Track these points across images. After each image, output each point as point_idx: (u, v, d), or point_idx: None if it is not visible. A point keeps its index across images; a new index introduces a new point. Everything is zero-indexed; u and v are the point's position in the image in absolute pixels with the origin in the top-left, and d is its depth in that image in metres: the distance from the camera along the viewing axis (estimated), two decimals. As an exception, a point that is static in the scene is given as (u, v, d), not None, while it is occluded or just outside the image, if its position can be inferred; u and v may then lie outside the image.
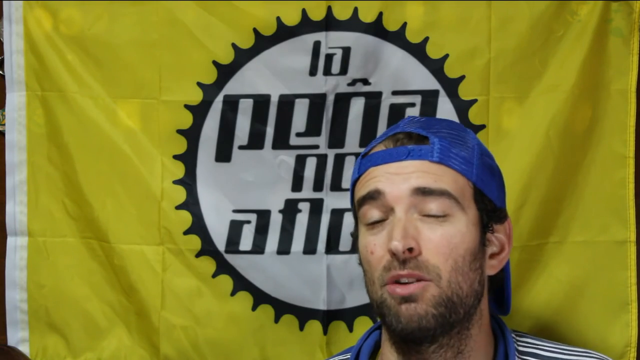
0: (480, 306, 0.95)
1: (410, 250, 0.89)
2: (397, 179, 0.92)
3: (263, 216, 1.47)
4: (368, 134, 1.45)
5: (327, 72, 1.44)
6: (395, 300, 0.89)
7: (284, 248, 1.47)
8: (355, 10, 1.43)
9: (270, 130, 1.46)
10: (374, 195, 0.93)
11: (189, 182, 1.48)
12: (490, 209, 0.96)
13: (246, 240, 1.48)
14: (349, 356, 1.05)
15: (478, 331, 0.95)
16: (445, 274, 0.89)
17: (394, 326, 0.90)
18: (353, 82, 1.44)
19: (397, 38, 1.43)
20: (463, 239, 0.91)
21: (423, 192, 0.91)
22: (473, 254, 0.92)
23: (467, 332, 0.93)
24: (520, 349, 1.00)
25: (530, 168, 1.42)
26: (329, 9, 1.43)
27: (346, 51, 1.43)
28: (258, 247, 1.47)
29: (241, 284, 1.48)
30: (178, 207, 1.48)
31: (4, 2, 1.49)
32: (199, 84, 1.46)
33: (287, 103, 1.45)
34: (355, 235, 1.01)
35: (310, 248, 1.47)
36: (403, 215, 0.91)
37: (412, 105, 1.45)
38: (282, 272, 1.47)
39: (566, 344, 1.05)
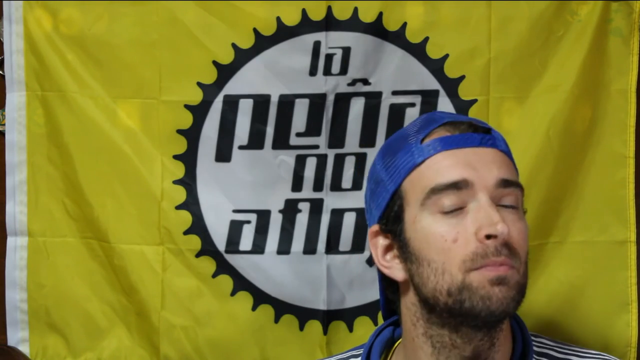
0: None
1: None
2: (480, 167, 0.91)
3: (263, 216, 1.47)
4: (368, 134, 1.45)
5: (327, 72, 1.44)
6: (488, 281, 0.87)
7: (284, 248, 1.47)
8: (355, 10, 1.43)
9: (270, 130, 1.46)
10: (459, 185, 0.90)
11: (189, 182, 1.48)
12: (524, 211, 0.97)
13: (246, 240, 1.48)
14: (361, 352, 1.05)
15: (506, 326, 0.96)
16: (523, 266, 0.91)
17: (479, 308, 0.87)
18: (353, 82, 1.44)
19: (397, 38, 1.43)
20: (528, 234, 0.93)
21: (505, 183, 0.91)
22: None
23: (501, 325, 0.94)
24: (536, 349, 1.00)
25: (530, 168, 1.42)
26: (329, 9, 1.43)
27: (346, 51, 1.43)
28: (258, 247, 1.47)
29: (241, 284, 1.48)
30: (178, 207, 1.48)
31: (4, 2, 1.49)
32: (199, 84, 1.46)
33: (287, 103, 1.45)
34: (401, 229, 0.94)
35: (310, 248, 1.47)
36: (490, 201, 0.90)
37: (412, 105, 1.45)
38: (282, 272, 1.47)
39: (579, 345, 1.05)
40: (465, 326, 0.91)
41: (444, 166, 0.92)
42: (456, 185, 0.90)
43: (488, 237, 0.88)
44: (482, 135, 0.93)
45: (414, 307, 0.95)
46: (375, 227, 0.98)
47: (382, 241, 0.98)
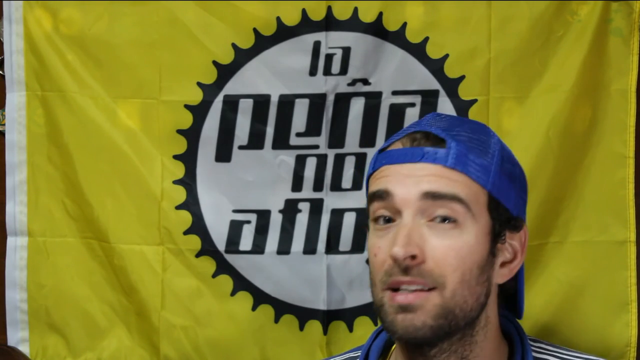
0: (485, 313, 0.93)
1: (413, 257, 0.86)
2: (408, 181, 0.90)
3: (263, 216, 1.47)
4: (368, 134, 1.45)
5: (327, 72, 1.44)
6: (392, 308, 0.87)
7: (284, 248, 1.47)
8: (355, 10, 1.43)
9: (270, 130, 1.46)
10: (382, 195, 0.91)
11: (189, 182, 1.48)
12: (504, 218, 0.93)
13: (246, 240, 1.48)
14: (359, 354, 1.05)
15: (484, 337, 0.93)
16: (451, 285, 0.87)
17: (391, 331, 0.89)
18: (353, 82, 1.44)
19: (397, 38, 1.43)
20: (471, 250, 0.89)
21: (433, 196, 0.88)
22: (481, 266, 0.90)
23: (470, 338, 0.92)
24: (534, 354, 0.99)
25: (530, 168, 1.42)
26: (329, 9, 1.43)
27: (346, 51, 1.43)
28: (258, 247, 1.47)
29: (241, 284, 1.48)
30: (178, 207, 1.48)
31: (4, 2, 1.49)
32: (199, 84, 1.46)
33: (287, 103, 1.45)
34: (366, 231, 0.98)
35: (310, 248, 1.47)
36: (410, 220, 0.88)
37: (412, 105, 1.45)
38: (282, 272, 1.47)
39: (580, 351, 1.04)
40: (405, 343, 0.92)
41: (378, 177, 0.93)
42: (380, 195, 0.91)
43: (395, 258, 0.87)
44: (427, 149, 0.91)
45: None
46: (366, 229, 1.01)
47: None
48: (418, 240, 0.87)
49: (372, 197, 0.92)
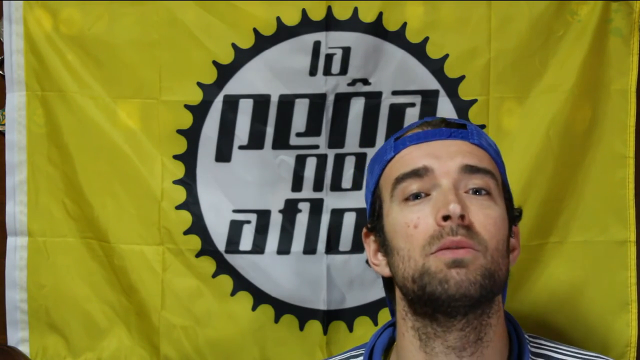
0: (499, 297, 0.96)
1: (462, 217, 0.88)
2: (444, 156, 0.93)
3: (263, 216, 1.47)
4: (368, 134, 1.45)
5: (327, 72, 1.44)
6: (445, 264, 0.88)
7: (284, 248, 1.47)
8: (355, 10, 1.43)
9: (270, 130, 1.46)
10: (420, 172, 0.93)
11: (189, 182, 1.48)
12: (511, 204, 0.98)
13: (246, 240, 1.48)
14: (362, 352, 1.05)
15: (496, 322, 0.95)
16: (490, 250, 0.89)
17: (438, 292, 0.88)
18: (353, 82, 1.44)
19: (397, 38, 1.43)
20: (503, 222, 0.93)
21: (470, 169, 0.92)
22: (507, 240, 0.94)
23: (487, 319, 0.93)
24: (534, 349, 1.00)
25: (530, 168, 1.42)
26: (329, 9, 1.43)
27: (346, 51, 1.43)
28: (258, 247, 1.47)
29: (241, 284, 1.48)
30: (178, 207, 1.48)
31: (4, 2, 1.49)
32: (199, 84, 1.46)
33: (287, 103, 1.45)
34: (376, 224, 0.99)
35: (310, 248, 1.47)
36: (452, 186, 0.91)
37: (412, 105, 1.45)
38: (282, 272, 1.47)
39: (580, 347, 1.05)
40: (439, 313, 0.91)
41: (409, 157, 0.95)
42: (417, 173, 0.93)
43: (445, 218, 0.89)
44: (452, 129, 0.96)
45: (402, 301, 0.97)
46: (365, 229, 1.02)
47: (372, 241, 1.01)
48: (464, 203, 0.90)
49: (404, 176, 0.94)
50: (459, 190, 0.92)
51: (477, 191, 0.92)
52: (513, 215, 0.98)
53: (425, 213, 0.91)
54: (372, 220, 1.00)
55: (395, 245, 0.93)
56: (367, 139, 1.45)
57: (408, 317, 0.96)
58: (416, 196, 0.92)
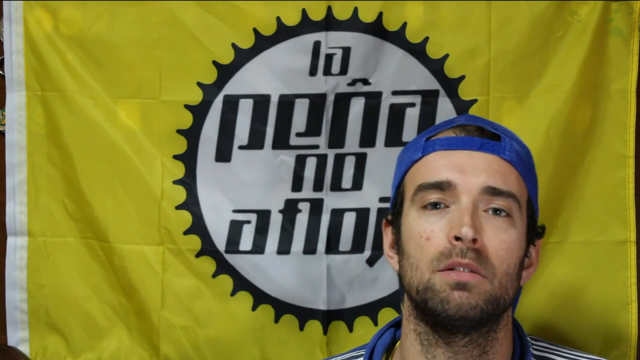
0: (508, 312, 0.95)
1: (474, 241, 0.88)
2: (469, 171, 0.91)
3: (263, 216, 1.47)
4: (368, 134, 1.45)
5: (327, 72, 1.44)
6: (448, 285, 0.88)
7: (284, 248, 1.47)
8: (355, 10, 1.43)
9: (270, 130, 1.46)
10: (442, 186, 0.91)
11: (189, 182, 1.48)
12: (535, 221, 0.96)
13: (246, 240, 1.47)
14: (362, 352, 1.05)
15: (504, 335, 0.95)
16: (499, 276, 0.89)
17: (438, 311, 0.88)
18: (353, 82, 1.44)
19: (397, 38, 1.43)
20: (519, 246, 0.92)
21: (493, 191, 0.91)
22: (521, 263, 0.93)
23: (494, 334, 0.93)
24: (536, 352, 1.00)
25: (530, 168, 1.42)
26: (329, 9, 1.43)
27: (346, 51, 1.43)
28: (258, 247, 1.47)
29: (241, 284, 1.48)
30: (178, 207, 1.48)
31: (4, 2, 1.49)
32: (199, 84, 1.46)
33: (287, 103, 1.45)
34: (394, 219, 0.98)
35: (310, 248, 1.47)
36: (470, 205, 0.90)
37: (412, 105, 1.44)
38: (282, 272, 1.47)
39: (577, 348, 1.05)
40: (439, 328, 0.91)
41: (435, 165, 0.94)
42: (439, 186, 0.91)
43: (456, 238, 0.88)
44: (485, 140, 0.94)
45: (408, 301, 0.96)
46: (385, 219, 1.01)
47: (390, 232, 1.00)
48: (478, 226, 0.89)
49: (428, 186, 0.93)
50: (479, 208, 0.90)
51: (497, 211, 0.91)
52: (534, 233, 0.97)
53: (439, 227, 0.90)
54: (393, 213, 0.99)
55: (407, 250, 0.93)
56: (367, 139, 1.45)
57: (411, 319, 0.96)
58: (435, 205, 0.92)
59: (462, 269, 0.88)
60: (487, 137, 0.94)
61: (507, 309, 0.93)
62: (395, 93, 1.44)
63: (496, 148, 0.93)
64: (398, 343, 1.03)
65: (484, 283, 0.88)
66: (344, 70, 1.44)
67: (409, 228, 0.93)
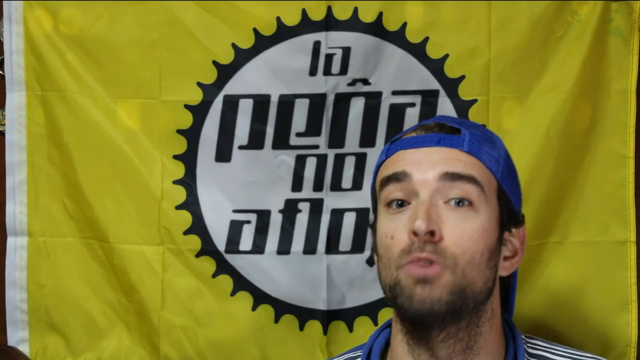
0: (491, 305, 0.95)
1: (432, 234, 0.88)
2: (426, 163, 0.93)
3: (263, 216, 1.47)
4: (368, 134, 1.45)
5: (327, 72, 1.44)
6: (411, 280, 0.89)
7: (284, 248, 1.47)
8: (355, 10, 1.43)
9: (270, 130, 1.46)
10: (399, 177, 0.93)
11: (189, 182, 1.48)
12: (510, 209, 0.96)
13: (246, 240, 1.48)
14: (360, 353, 1.05)
15: (489, 330, 0.95)
16: (462, 265, 0.89)
17: (405, 307, 0.89)
18: (353, 82, 1.44)
19: (397, 38, 1.43)
20: (484, 234, 0.91)
21: (451, 177, 0.91)
22: (490, 250, 0.92)
23: (477, 328, 0.93)
24: (530, 350, 1.00)
25: (530, 168, 1.42)
26: (329, 9, 1.43)
27: (346, 51, 1.43)
28: (258, 247, 1.47)
29: (241, 284, 1.48)
30: (178, 207, 1.48)
31: (4, 2, 1.49)
32: (199, 84, 1.46)
33: (287, 103, 1.45)
34: (373, 223, 0.99)
35: (310, 248, 1.47)
36: (428, 199, 0.90)
37: (412, 105, 1.45)
38: (282, 272, 1.47)
39: (576, 348, 1.05)
40: (413, 323, 0.92)
41: (393, 162, 0.95)
42: (396, 177, 0.93)
43: (415, 234, 0.89)
44: (442, 135, 0.95)
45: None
46: (369, 224, 1.04)
47: (372, 237, 1.01)
48: (436, 218, 0.89)
49: (387, 180, 0.94)
50: (439, 200, 0.91)
51: (459, 202, 0.91)
52: (511, 220, 0.97)
53: (401, 224, 0.91)
54: (372, 225, 1.01)
55: (379, 251, 0.95)
56: (367, 139, 1.45)
57: (397, 321, 0.97)
58: (399, 204, 0.93)
59: (423, 262, 0.88)
60: (446, 132, 0.95)
61: (482, 300, 0.92)
62: (395, 93, 1.45)
63: (455, 141, 0.94)
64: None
65: (445, 274, 0.88)
66: (344, 70, 1.44)
67: (379, 230, 0.95)
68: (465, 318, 0.91)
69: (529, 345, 1.01)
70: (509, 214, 0.96)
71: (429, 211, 0.89)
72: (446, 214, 0.90)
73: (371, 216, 1.01)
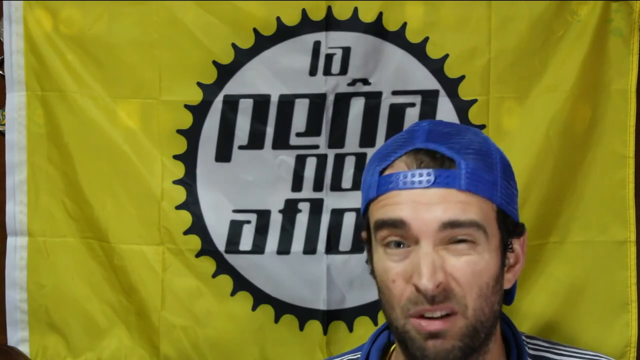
0: (497, 321, 0.94)
1: (439, 284, 0.86)
2: (423, 210, 0.88)
3: (263, 216, 1.47)
4: (368, 134, 1.45)
5: (327, 72, 1.44)
6: (421, 335, 0.87)
7: (284, 248, 1.47)
8: (355, 10, 1.43)
9: (270, 130, 1.46)
10: (396, 224, 0.88)
11: (189, 182, 1.48)
12: (511, 227, 0.93)
13: (246, 240, 1.48)
14: (359, 355, 1.04)
15: (494, 344, 0.94)
16: (471, 303, 0.87)
17: (418, 357, 0.88)
18: (353, 82, 1.44)
19: (397, 38, 1.43)
20: (487, 266, 0.89)
21: (451, 225, 0.87)
22: (495, 278, 0.90)
23: (486, 347, 0.92)
24: (531, 351, 0.99)
25: (530, 168, 1.42)
26: (329, 9, 1.43)
27: (346, 51, 1.43)
28: (258, 247, 1.47)
29: (241, 284, 1.48)
30: (178, 207, 1.48)
31: (4, 2, 1.49)
32: (199, 84, 1.46)
33: (287, 103, 1.45)
34: (368, 246, 0.96)
35: (310, 248, 1.47)
36: (430, 250, 0.87)
37: (412, 105, 1.45)
38: (282, 272, 1.47)
39: (576, 346, 1.04)
40: None
41: (387, 204, 0.90)
42: (394, 224, 0.89)
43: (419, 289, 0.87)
44: (438, 172, 0.89)
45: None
46: (363, 234, 0.98)
47: (366, 249, 0.98)
48: (440, 264, 0.87)
49: (383, 224, 0.90)
50: (439, 245, 0.87)
51: (460, 240, 0.88)
52: (513, 234, 0.94)
53: (402, 269, 0.88)
54: (366, 232, 0.97)
55: (379, 284, 0.92)
56: (367, 139, 1.45)
57: (406, 354, 0.94)
58: (398, 244, 0.89)
59: (432, 315, 0.86)
60: (442, 165, 0.89)
61: (490, 326, 0.91)
62: (395, 93, 1.45)
63: (451, 179, 0.88)
64: (394, 346, 1.03)
65: (457, 322, 0.87)
66: (344, 70, 1.44)
67: (378, 264, 0.92)
68: (477, 349, 0.90)
69: (530, 346, 1.01)
70: (509, 233, 0.93)
71: (434, 262, 0.86)
72: (448, 256, 0.87)
73: (363, 234, 0.97)
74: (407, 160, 0.91)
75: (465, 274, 0.87)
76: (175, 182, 1.48)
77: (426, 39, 1.43)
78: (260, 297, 1.48)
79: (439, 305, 0.86)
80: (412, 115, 1.44)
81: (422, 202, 0.88)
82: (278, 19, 1.43)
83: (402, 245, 0.89)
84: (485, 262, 0.89)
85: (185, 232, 1.48)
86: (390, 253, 0.89)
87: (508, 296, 1.03)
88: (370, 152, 1.45)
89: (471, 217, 0.88)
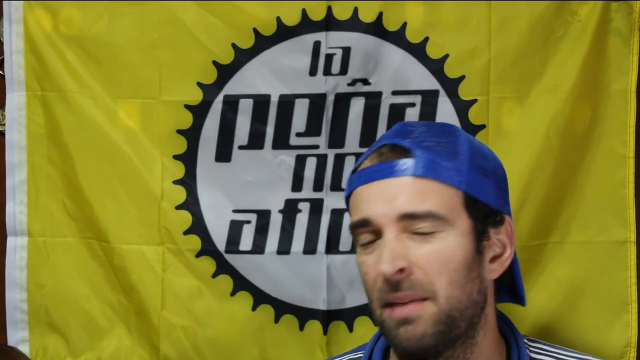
0: (484, 312, 0.94)
1: (402, 270, 0.88)
2: (381, 202, 0.91)
3: (263, 216, 1.47)
4: (368, 134, 1.45)
5: (327, 72, 1.44)
6: (393, 322, 0.89)
7: (284, 248, 1.47)
8: (355, 10, 1.43)
9: (270, 130, 1.46)
10: (363, 224, 0.93)
11: (189, 182, 1.48)
12: (484, 214, 0.93)
13: (246, 240, 1.48)
14: (360, 355, 1.05)
15: (483, 337, 0.94)
16: (441, 290, 0.88)
17: (395, 344, 0.90)
18: (353, 82, 1.44)
19: (397, 38, 1.43)
20: (454, 252, 0.90)
21: (410, 216, 0.90)
22: (467, 265, 0.90)
23: (472, 340, 0.92)
24: (532, 355, 0.99)
25: (530, 168, 1.42)
26: (329, 9, 1.43)
27: (346, 51, 1.43)
28: (258, 247, 1.47)
29: (241, 284, 1.48)
30: (178, 207, 1.48)
31: (4, 2, 1.49)
32: (199, 84, 1.46)
33: (287, 103, 1.45)
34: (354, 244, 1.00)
35: (310, 248, 1.47)
36: (392, 237, 0.90)
37: (412, 105, 1.45)
38: (282, 272, 1.47)
39: (578, 350, 1.04)
40: (409, 357, 0.92)
41: (355, 203, 0.95)
42: (362, 224, 0.93)
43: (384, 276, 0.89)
44: (395, 162, 0.92)
45: None
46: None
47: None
48: (402, 251, 0.89)
49: (354, 227, 0.94)
50: (402, 234, 0.90)
51: (422, 231, 0.90)
52: (489, 222, 0.94)
53: (371, 261, 0.91)
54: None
55: (362, 281, 0.95)
56: (367, 139, 1.45)
57: (393, 349, 0.97)
58: (372, 240, 0.93)
59: (401, 301, 0.88)
60: (399, 155, 0.92)
61: (474, 314, 0.91)
62: (395, 93, 1.45)
63: (407, 168, 0.91)
64: None
65: (427, 308, 0.88)
66: (344, 70, 1.44)
67: (357, 260, 0.95)
68: (459, 339, 0.91)
69: (532, 349, 1.00)
70: (483, 219, 0.93)
71: (394, 249, 0.89)
72: (412, 245, 0.89)
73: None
74: (372, 157, 0.96)
75: (429, 260, 0.89)
76: (175, 182, 1.48)
77: (426, 39, 1.43)
78: (260, 297, 1.48)
79: (406, 292, 0.88)
80: (412, 115, 1.44)
81: (381, 194, 0.91)
82: (278, 19, 1.43)
83: (374, 242, 0.92)
84: (450, 248, 0.90)
85: (185, 232, 1.48)
86: (364, 247, 0.93)
87: (517, 299, 1.03)
88: (370, 152, 1.45)
89: (427, 207, 0.90)
